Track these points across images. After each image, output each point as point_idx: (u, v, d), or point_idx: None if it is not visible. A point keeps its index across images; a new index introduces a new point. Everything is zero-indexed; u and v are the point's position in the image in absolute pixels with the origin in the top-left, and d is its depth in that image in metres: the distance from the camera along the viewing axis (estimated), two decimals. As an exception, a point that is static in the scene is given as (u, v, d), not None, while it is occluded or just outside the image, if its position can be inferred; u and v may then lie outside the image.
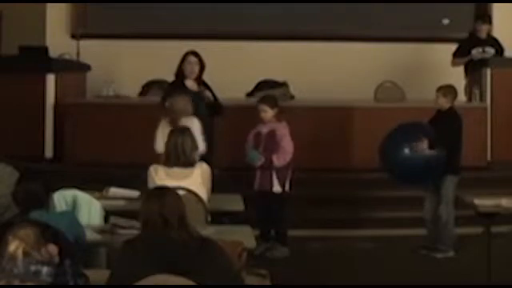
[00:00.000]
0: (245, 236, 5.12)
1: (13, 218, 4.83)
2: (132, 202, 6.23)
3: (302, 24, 11.52)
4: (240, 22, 11.59)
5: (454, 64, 10.24)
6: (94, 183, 6.96)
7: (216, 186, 6.39)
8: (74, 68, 10.53)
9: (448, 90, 8.03)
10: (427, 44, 11.58)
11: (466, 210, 7.27)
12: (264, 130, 7.92)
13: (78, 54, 10.67)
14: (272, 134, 7.85)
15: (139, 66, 11.12)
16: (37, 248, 3.71)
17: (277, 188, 7.84)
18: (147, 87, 10.80)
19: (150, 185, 6.01)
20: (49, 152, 9.83)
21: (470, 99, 10.04)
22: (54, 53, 10.38)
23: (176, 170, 6.12)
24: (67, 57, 10.76)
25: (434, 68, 11.17)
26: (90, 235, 5.24)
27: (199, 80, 8.05)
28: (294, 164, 7.93)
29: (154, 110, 8.06)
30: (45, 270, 3.73)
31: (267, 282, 4.52)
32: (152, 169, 6.17)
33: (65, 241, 4.08)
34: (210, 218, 6.05)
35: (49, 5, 11.58)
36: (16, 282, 3.64)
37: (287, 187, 7.88)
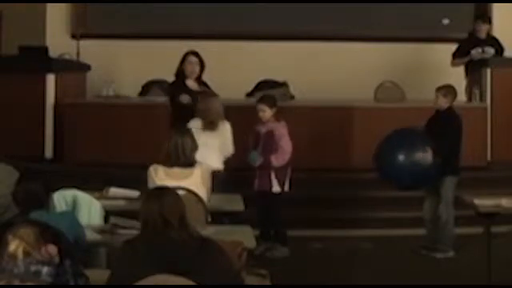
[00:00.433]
0: (245, 236, 5.12)
1: (13, 218, 4.83)
2: (132, 202, 6.22)
3: (302, 24, 11.52)
4: (240, 22, 11.59)
5: (453, 64, 10.25)
6: (93, 183, 6.96)
7: (216, 186, 6.40)
8: (74, 68, 10.54)
9: (448, 91, 8.03)
10: (427, 44, 11.58)
11: (466, 210, 7.27)
12: (263, 129, 7.93)
13: (78, 54, 10.67)
14: (270, 134, 7.85)
15: (139, 66, 11.12)
16: (37, 248, 3.72)
17: (276, 188, 7.84)
18: (147, 87, 10.80)
19: (150, 185, 6.02)
20: (49, 152, 9.83)
21: (469, 99, 10.04)
22: (54, 53, 10.38)
23: (176, 170, 6.12)
24: (67, 57, 10.76)
25: (433, 68, 11.17)
26: (90, 235, 5.24)
27: (199, 80, 8.06)
28: (294, 164, 7.93)
29: (157, 109, 8.14)
30: (45, 270, 3.73)
31: (267, 282, 4.52)
32: (152, 169, 6.17)
33: (65, 241, 4.08)
34: (210, 218, 6.05)
35: (49, 5, 11.58)
36: (16, 282, 3.65)
37: (286, 187, 7.88)
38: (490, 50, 10.04)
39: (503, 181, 8.95)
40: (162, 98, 9.52)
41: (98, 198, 6.13)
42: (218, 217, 6.22)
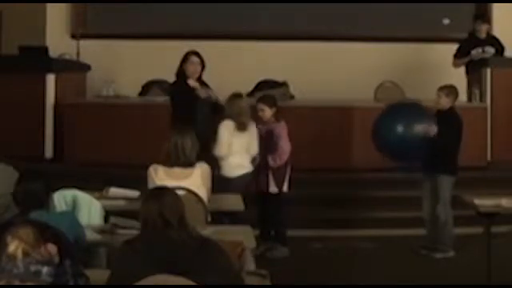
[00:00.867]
0: (245, 236, 5.12)
1: (13, 218, 4.83)
2: (132, 202, 6.22)
3: (302, 24, 11.52)
4: (240, 22, 11.59)
5: (455, 65, 10.24)
6: (93, 183, 6.96)
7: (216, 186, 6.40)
8: (74, 68, 10.54)
9: (450, 91, 8.03)
10: (427, 44, 11.59)
11: (466, 210, 7.26)
12: (263, 129, 7.93)
13: (78, 53, 10.68)
14: (270, 134, 7.85)
15: (139, 66, 11.13)
16: (36, 247, 3.72)
17: (273, 188, 7.83)
18: (147, 87, 10.80)
19: (150, 185, 6.01)
20: (49, 152, 9.83)
21: (470, 99, 10.04)
22: (54, 53, 10.38)
23: (176, 170, 6.12)
24: (67, 57, 10.77)
25: (433, 68, 11.18)
26: (90, 235, 5.24)
27: (200, 80, 8.06)
28: (294, 164, 7.93)
29: (157, 109, 8.14)
30: (45, 270, 3.73)
31: (267, 282, 4.51)
32: (152, 169, 6.17)
33: (65, 241, 4.08)
34: (210, 218, 6.05)
35: (49, 5, 11.58)
36: (16, 282, 3.65)
37: (286, 188, 7.87)
38: (491, 50, 10.04)
39: (503, 181, 8.95)
40: (161, 98, 9.53)
41: (98, 198, 6.12)
42: (218, 217, 6.22)
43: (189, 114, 7.76)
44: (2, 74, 9.87)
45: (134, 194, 6.42)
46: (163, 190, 4.18)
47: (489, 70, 9.84)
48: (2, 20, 11.84)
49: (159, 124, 8.55)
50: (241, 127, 7.58)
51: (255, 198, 7.82)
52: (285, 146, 7.81)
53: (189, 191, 5.95)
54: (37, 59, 10.00)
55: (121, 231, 5.33)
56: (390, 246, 8.19)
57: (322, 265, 7.58)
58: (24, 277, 3.67)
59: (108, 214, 5.88)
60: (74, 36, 11.05)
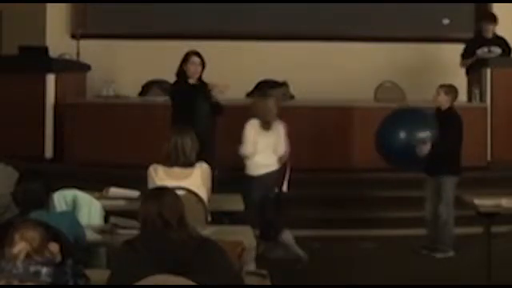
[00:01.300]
0: (245, 236, 5.12)
1: (13, 218, 4.83)
2: (132, 202, 6.22)
3: (301, 24, 11.52)
4: (240, 22, 11.59)
5: (462, 65, 10.22)
6: (93, 183, 6.96)
7: (216, 186, 6.40)
8: (74, 68, 10.54)
9: (450, 89, 8.04)
10: (427, 44, 11.58)
11: (466, 210, 7.27)
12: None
13: (78, 54, 10.67)
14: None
15: (139, 66, 11.12)
16: (41, 250, 3.74)
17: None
18: (147, 87, 10.79)
19: (150, 185, 6.01)
20: (49, 152, 9.83)
21: (470, 99, 10.04)
22: (54, 53, 10.38)
23: (176, 170, 6.12)
24: (67, 57, 10.76)
25: (434, 68, 11.17)
26: (90, 235, 5.24)
27: (200, 80, 8.06)
28: (294, 164, 7.93)
29: (157, 109, 8.13)
30: (44, 270, 3.73)
31: (267, 282, 4.51)
32: (152, 169, 6.17)
33: (65, 241, 4.08)
34: (210, 218, 6.05)
35: (49, 5, 11.58)
36: (15, 282, 3.65)
37: (285, 188, 7.87)
38: (497, 50, 10.03)
39: (503, 181, 8.96)
40: (161, 98, 9.52)
41: (98, 198, 6.12)
42: (218, 217, 6.22)
43: (189, 114, 7.76)
44: (2, 73, 9.86)
45: (134, 194, 6.42)
46: (163, 190, 4.18)
47: (489, 70, 9.83)
48: (2, 20, 11.84)
49: (159, 124, 8.55)
50: (266, 126, 7.64)
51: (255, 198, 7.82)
52: (287, 145, 7.83)
53: (189, 191, 5.94)
54: (37, 59, 10.00)
55: (121, 231, 5.33)
56: (390, 245, 8.20)
57: (322, 265, 7.58)
58: (23, 277, 3.67)
59: (108, 213, 5.88)
60: (74, 36, 11.04)
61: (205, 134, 7.43)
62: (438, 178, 7.84)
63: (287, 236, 7.55)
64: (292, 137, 7.91)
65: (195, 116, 7.79)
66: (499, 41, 10.10)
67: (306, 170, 8.70)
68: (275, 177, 7.65)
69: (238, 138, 8.11)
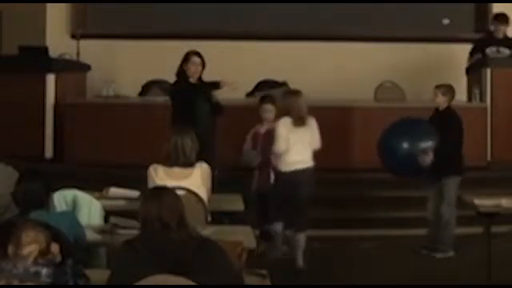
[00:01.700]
0: (245, 236, 5.12)
1: (13, 218, 4.84)
2: (132, 202, 6.22)
3: (301, 24, 11.51)
4: (240, 22, 11.58)
5: (470, 62, 10.22)
6: (93, 183, 6.96)
7: (216, 186, 6.40)
8: (74, 68, 10.53)
9: (447, 89, 8.05)
10: (427, 44, 11.58)
11: (466, 210, 7.27)
12: (262, 129, 7.94)
13: (78, 54, 10.67)
14: (270, 134, 7.86)
15: (139, 66, 11.12)
16: (46, 252, 3.75)
17: (274, 188, 7.84)
18: (147, 87, 10.79)
19: (150, 185, 6.01)
20: (49, 152, 9.83)
21: (470, 99, 10.03)
22: (54, 53, 10.38)
23: (176, 170, 6.12)
24: (67, 57, 10.76)
25: (433, 68, 11.17)
26: (90, 235, 5.24)
27: (200, 80, 8.07)
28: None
29: (157, 109, 8.11)
30: (44, 271, 3.74)
31: (267, 282, 4.51)
32: (152, 169, 6.16)
33: (65, 241, 4.09)
34: (210, 218, 6.05)
35: (49, 5, 11.57)
36: (15, 283, 3.65)
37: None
38: (506, 51, 10.02)
39: (503, 181, 8.96)
40: (161, 98, 9.52)
41: (98, 198, 6.13)
42: (218, 217, 6.22)
43: (189, 114, 7.76)
44: (2, 73, 9.86)
45: (134, 194, 6.42)
46: (162, 190, 4.18)
47: (489, 70, 9.83)
48: (2, 20, 11.83)
49: (159, 124, 8.54)
50: (298, 123, 7.59)
51: (255, 197, 7.82)
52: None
53: (189, 191, 5.94)
54: (37, 59, 10.00)
55: (121, 231, 5.33)
56: (390, 246, 8.19)
57: (322, 265, 7.58)
58: (24, 277, 3.68)
59: (108, 213, 5.88)
60: (74, 36, 11.04)
61: (205, 134, 7.43)
62: (441, 179, 7.84)
63: (301, 238, 7.55)
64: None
65: (195, 116, 7.79)
66: (509, 42, 10.08)
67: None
68: (308, 174, 7.63)
69: (237, 138, 8.13)
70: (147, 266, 3.76)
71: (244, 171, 8.05)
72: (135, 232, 4.22)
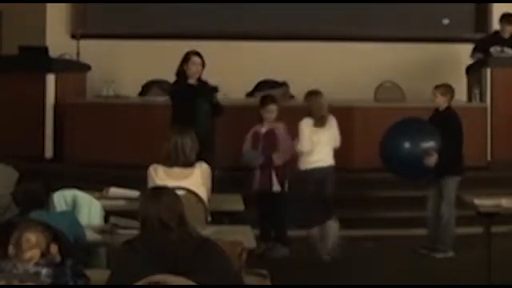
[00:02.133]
0: (245, 236, 5.12)
1: (13, 218, 4.84)
2: (132, 202, 6.22)
3: (302, 24, 11.51)
4: (240, 22, 11.58)
5: (472, 57, 10.22)
6: (93, 183, 6.96)
7: (216, 186, 6.39)
8: (74, 68, 10.53)
9: (446, 89, 8.04)
10: (427, 44, 11.58)
11: (466, 210, 7.27)
12: (262, 129, 7.94)
13: (78, 54, 10.67)
14: (271, 134, 7.87)
15: (139, 66, 11.11)
16: (46, 253, 3.76)
17: (276, 187, 7.85)
18: (147, 87, 10.79)
19: (150, 185, 6.00)
20: (49, 152, 9.83)
21: (470, 99, 10.04)
22: (54, 53, 10.38)
23: (176, 170, 6.11)
24: (67, 57, 10.76)
25: (433, 68, 11.17)
26: (90, 235, 5.24)
27: (199, 79, 8.07)
28: (294, 164, 7.93)
29: (157, 109, 8.09)
30: (44, 271, 3.74)
31: (267, 282, 4.52)
32: (152, 169, 6.16)
33: (65, 241, 4.09)
34: (210, 218, 6.05)
35: (49, 5, 11.57)
36: (16, 282, 3.65)
37: (286, 187, 7.89)
38: (510, 51, 10.03)
39: (503, 181, 8.96)
40: (161, 98, 9.52)
41: (98, 198, 6.13)
42: (218, 217, 6.22)
43: (189, 114, 7.76)
44: (2, 73, 9.87)
45: (134, 194, 6.42)
46: (162, 190, 4.17)
47: (489, 70, 9.83)
48: (2, 20, 11.83)
49: (159, 124, 8.54)
50: (320, 123, 7.81)
51: (255, 197, 7.82)
52: (289, 144, 7.85)
53: (189, 191, 5.94)
54: (37, 59, 10.00)
55: (121, 231, 5.33)
56: (390, 245, 8.19)
57: (322, 265, 7.58)
58: (23, 277, 3.68)
59: (108, 213, 5.88)
60: (74, 36, 11.04)
61: (205, 134, 7.43)
62: (442, 179, 7.84)
63: (334, 225, 7.73)
64: (292, 137, 7.92)
65: (195, 116, 7.79)
66: None
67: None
68: (330, 172, 7.83)
69: (237, 138, 8.13)
70: (147, 266, 3.76)
71: (244, 171, 8.04)
72: (135, 232, 4.22)
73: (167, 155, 6.15)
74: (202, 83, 8.03)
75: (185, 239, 3.88)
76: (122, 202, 6.38)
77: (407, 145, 7.72)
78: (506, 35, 10.12)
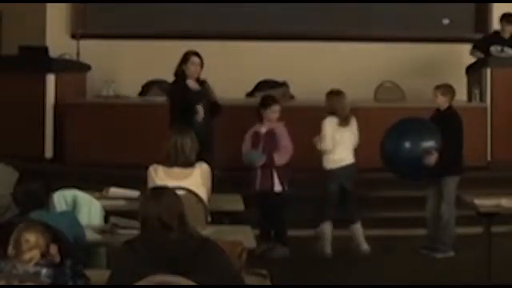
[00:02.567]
0: (245, 236, 5.12)
1: (13, 218, 4.84)
2: (132, 202, 6.22)
3: (302, 24, 11.51)
4: (240, 22, 11.58)
5: (472, 54, 10.22)
6: (93, 183, 6.96)
7: (216, 186, 6.39)
8: (74, 68, 10.53)
9: (447, 89, 8.04)
10: (427, 44, 11.58)
11: (466, 210, 7.27)
12: (262, 129, 7.95)
13: (78, 54, 10.66)
14: (271, 133, 7.87)
15: (139, 66, 11.11)
16: (46, 254, 3.76)
17: (278, 188, 7.86)
18: (147, 87, 10.79)
19: (150, 185, 6.00)
20: (49, 152, 9.83)
21: (470, 99, 10.04)
22: (54, 53, 10.38)
23: (176, 170, 6.11)
24: (67, 57, 10.76)
25: (433, 68, 11.17)
26: (90, 235, 5.24)
27: (199, 79, 8.07)
28: (294, 164, 7.93)
29: (157, 109, 8.06)
30: (44, 271, 3.74)
31: (267, 282, 4.51)
32: (152, 169, 6.16)
33: (65, 241, 4.09)
34: (210, 218, 6.05)
35: (49, 5, 11.57)
36: (16, 283, 3.66)
37: (286, 187, 7.89)
38: (510, 51, 10.03)
39: (503, 181, 8.95)
40: (161, 98, 9.52)
41: (98, 198, 6.13)
42: (218, 217, 6.22)
43: (188, 114, 7.76)
44: (2, 73, 9.87)
45: (134, 194, 6.42)
46: (162, 191, 4.17)
47: (489, 70, 9.83)
48: (2, 20, 11.83)
49: (159, 124, 8.53)
50: (344, 122, 7.97)
51: (255, 197, 7.82)
52: (288, 144, 7.87)
53: (189, 191, 5.94)
54: (37, 59, 10.00)
55: (121, 231, 5.33)
56: (390, 245, 8.19)
57: (322, 265, 7.58)
58: (23, 277, 3.68)
59: (108, 213, 5.88)
60: (74, 36, 11.04)
61: (204, 133, 7.43)
62: (442, 178, 7.84)
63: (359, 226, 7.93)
64: (292, 137, 7.92)
65: (195, 116, 7.79)
66: None
67: (306, 169, 8.68)
68: (351, 171, 7.98)
69: (237, 138, 8.12)
70: (147, 266, 3.76)
71: (244, 171, 8.04)
72: (135, 232, 4.22)
73: (167, 155, 6.15)
74: (201, 83, 8.03)
75: (185, 239, 3.88)
76: (121, 202, 6.38)
77: (407, 144, 7.72)
78: (506, 35, 10.13)
